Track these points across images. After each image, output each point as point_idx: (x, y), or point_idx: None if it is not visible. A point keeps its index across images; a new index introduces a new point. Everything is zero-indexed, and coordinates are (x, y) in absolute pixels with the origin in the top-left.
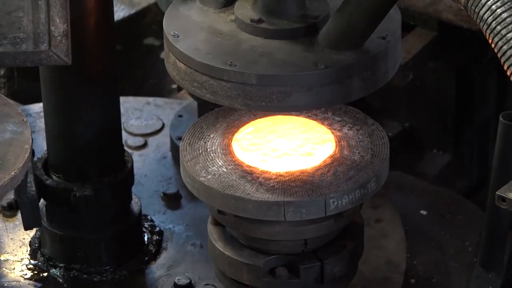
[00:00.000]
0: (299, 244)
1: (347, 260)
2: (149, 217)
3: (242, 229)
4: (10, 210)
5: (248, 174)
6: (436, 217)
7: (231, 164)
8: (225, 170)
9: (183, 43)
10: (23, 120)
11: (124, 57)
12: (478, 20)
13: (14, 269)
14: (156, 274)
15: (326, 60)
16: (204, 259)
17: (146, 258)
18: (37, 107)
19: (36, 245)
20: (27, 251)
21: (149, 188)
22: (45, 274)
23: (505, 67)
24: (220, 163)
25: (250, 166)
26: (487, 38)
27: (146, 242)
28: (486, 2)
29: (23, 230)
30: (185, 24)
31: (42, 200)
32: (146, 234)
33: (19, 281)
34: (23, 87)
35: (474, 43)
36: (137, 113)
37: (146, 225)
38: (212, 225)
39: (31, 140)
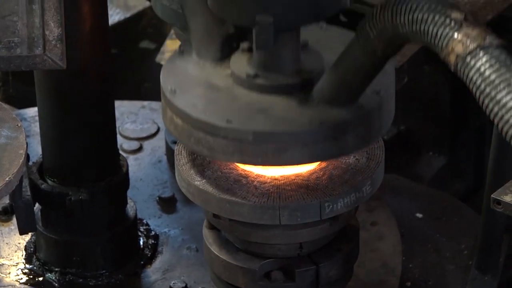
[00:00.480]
0: (295, 248)
1: (343, 263)
2: (144, 221)
3: (237, 233)
4: (5, 215)
5: (243, 178)
6: (432, 220)
7: (226, 168)
8: (220, 174)
9: (180, 99)
10: (17, 125)
11: (119, 61)
12: (467, 82)
13: (9, 273)
14: (151, 278)
15: (321, 116)
16: (199, 263)
17: (142, 262)
18: (32, 111)
19: (32, 249)
20: (22, 255)
21: (145, 192)
22: (40, 279)
23: (499, 128)
24: (215, 167)
25: (245, 170)
26: (477, 99)
27: (141, 246)
28: (475, 64)
29: (19, 235)
30: (182, 78)
31: (37, 205)
32: (141, 238)
33: (14, 286)
34: (18, 91)
35: None
36: (132, 117)
37: (141, 229)
38: (208, 229)
39: (25, 145)
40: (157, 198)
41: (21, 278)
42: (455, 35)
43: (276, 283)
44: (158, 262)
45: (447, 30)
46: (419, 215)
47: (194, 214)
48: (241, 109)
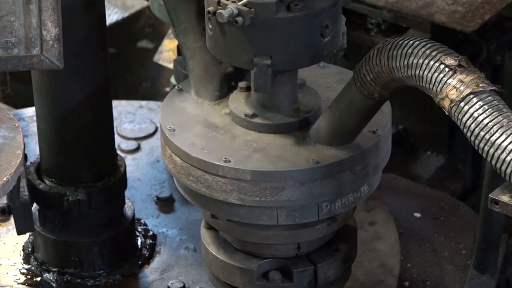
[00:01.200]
0: (292, 248)
1: (341, 263)
2: (142, 221)
3: (235, 233)
4: (3, 215)
5: None
6: (430, 220)
7: None
8: None
9: (179, 138)
10: (15, 125)
11: (117, 61)
12: (461, 126)
13: (7, 273)
14: (149, 278)
15: (318, 155)
16: (197, 263)
17: (140, 262)
18: (30, 111)
19: (29, 249)
20: (20, 255)
21: (142, 192)
22: (38, 279)
23: (497, 169)
24: None
25: None
26: (472, 143)
27: (139, 246)
28: (468, 109)
29: (16, 235)
30: (180, 117)
31: (35, 205)
32: (139, 238)
33: (12, 286)
34: (16, 91)
35: (467, 45)
36: (130, 117)
37: (139, 229)
38: (205, 229)
39: (23, 146)
40: (155, 198)
41: (19, 278)
42: (450, 81)
43: (274, 283)
44: (156, 262)
45: (441, 76)
46: (417, 215)
47: (192, 214)
48: (239, 148)
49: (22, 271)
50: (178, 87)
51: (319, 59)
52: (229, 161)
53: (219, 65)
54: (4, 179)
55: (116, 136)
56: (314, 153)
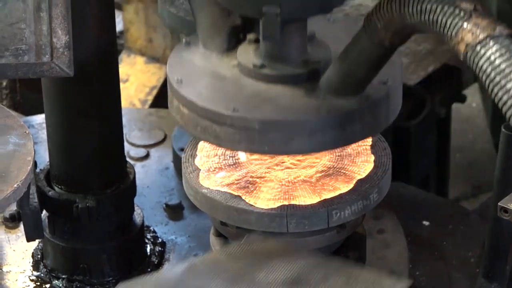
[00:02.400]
0: None
1: None
2: (151, 228)
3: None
4: (12, 222)
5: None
6: (438, 228)
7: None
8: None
9: (186, 89)
10: (25, 132)
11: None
12: (477, 70)
13: (16, 280)
14: None
15: (327, 105)
16: None
17: (149, 269)
18: (40, 118)
19: (39, 256)
20: (29, 262)
21: (152, 199)
22: (47, 286)
23: (507, 117)
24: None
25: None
26: (486, 88)
27: (148, 253)
28: (485, 53)
29: (26, 242)
30: (188, 69)
31: (44, 212)
32: (148, 245)
33: None
34: (26, 98)
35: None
36: (139, 124)
37: (148, 236)
38: (215, 236)
39: (33, 152)
40: (164, 205)
41: (28, 285)
42: (465, 25)
43: None
44: None
45: (456, 20)
46: (426, 223)
47: (201, 222)
48: (247, 98)
49: (31, 278)
50: (185, 40)
51: (329, 7)
52: (237, 111)
53: (227, 18)
54: (15, 185)
55: (125, 143)
56: (324, 103)
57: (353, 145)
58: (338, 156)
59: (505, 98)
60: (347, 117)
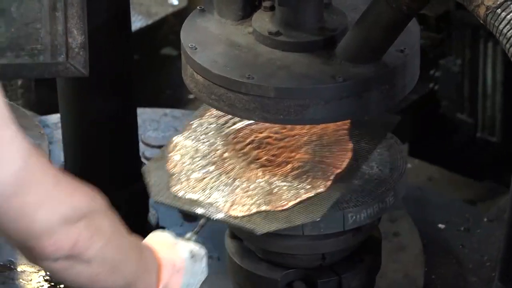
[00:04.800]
0: (317, 258)
1: (365, 274)
2: (166, 229)
3: (259, 243)
4: None
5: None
6: (454, 231)
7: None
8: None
9: (201, 56)
10: (40, 132)
11: (141, 68)
12: (497, 34)
13: (31, 280)
14: None
15: (344, 73)
16: (221, 271)
17: None
18: (55, 118)
19: None
20: None
21: None
22: (61, 286)
23: None
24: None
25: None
26: (506, 52)
27: None
28: (505, 16)
29: None
30: (203, 36)
31: None
32: None
33: None
34: (40, 97)
35: None
36: (154, 125)
37: None
38: (230, 238)
39: (48, 153)
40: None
41: (42, 286)
42: None
43: None
44: None
45: None
46: (442, 226)
47: (216, 223)
48: (262, 65)
49: (45, 278)
50: (200, 7)
51: None
52: (252, 78)
53: None
54: None
55: (140, 144)
56: (340, 71)
57: (331, 130)
58: (315, 146)
59: None
60: (363, 84)
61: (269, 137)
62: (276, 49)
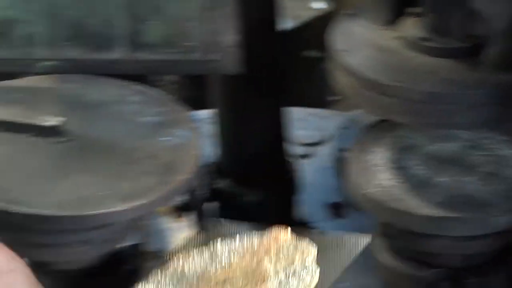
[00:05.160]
0: (464, 259)
1: (510, 276)
2: (313, 225)
3: (407, 242)
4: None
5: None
6: None
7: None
8: (393, 183)
9: (350, 59)
10: (192, 126)
11: (286, 69)
12: None
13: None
14: None
15: (492, 80)
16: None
17: None
18: (205, 113)
19: None
20: None
21: (313, 197)
22: None
23: None
24: (388, 176)
25: (421, 181)
26: None
27: None
28: None
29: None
30: (351, 40)
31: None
32: None
33: None
34: (193, 93)
35: None
36: (301, 124)
37: None
38: (378, 237)
39: (200, 146)
40: (325, 204)
41: None
42: None
43: None
44: None
45: None
46: None
47: (363, 221)
48: (411, 70)
49: None
50: (348, 12)
51: None
52: (403, 82)
53: None
54: (182, 178)
55: (288, 141)
56: (488, 77)
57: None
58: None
59: None
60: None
61: None
62: (424, 54)
